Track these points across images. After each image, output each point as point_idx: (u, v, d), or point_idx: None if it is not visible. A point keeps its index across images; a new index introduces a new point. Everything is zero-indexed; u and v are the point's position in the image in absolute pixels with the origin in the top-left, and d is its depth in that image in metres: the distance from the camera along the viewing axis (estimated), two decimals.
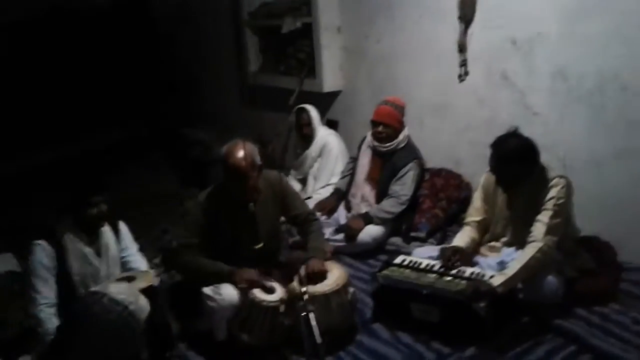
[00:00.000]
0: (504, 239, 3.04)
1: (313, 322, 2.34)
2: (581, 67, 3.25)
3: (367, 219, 3.71)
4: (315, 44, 4.96)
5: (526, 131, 3.52)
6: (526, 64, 3.53)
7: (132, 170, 6.16)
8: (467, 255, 2.99)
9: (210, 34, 6.52)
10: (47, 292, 2.57)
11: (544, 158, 2.91)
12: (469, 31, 3.83)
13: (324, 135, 4.46)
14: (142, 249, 3.10)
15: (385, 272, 2.97)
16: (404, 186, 3.74)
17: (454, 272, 2.87)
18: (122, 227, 2.92)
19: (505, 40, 3.62)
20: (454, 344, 2.67)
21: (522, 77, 3.57)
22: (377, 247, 3.72)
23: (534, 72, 3.51)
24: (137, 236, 3.06)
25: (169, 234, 4.48)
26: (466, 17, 3.81)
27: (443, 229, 3.82)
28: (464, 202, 3.97)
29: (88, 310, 2.20)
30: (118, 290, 2.28)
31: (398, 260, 3.07)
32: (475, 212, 3.12)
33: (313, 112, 4.43)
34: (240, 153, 2.72)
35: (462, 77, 3.96)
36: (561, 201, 2.72)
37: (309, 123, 4.40)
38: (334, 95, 5.11)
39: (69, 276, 2.64)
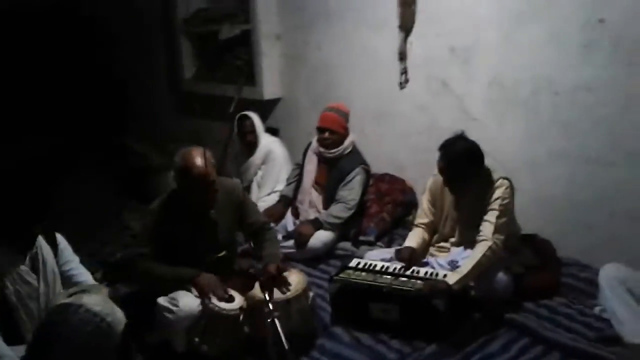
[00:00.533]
0: (452, 239, 3.16)
1: (279, 328, 2.32)
2: (517, 74, 3.44)
3: (317, 224, 3.73)
4: (255, 52, 4.94)
5: (468, 136, 3.72)
6: (464, 71, 3.69)
7: (60, 181, 5.85)
8: (419, 256, 3.08)
9: (143, 40, 6.34)
10: None
11: (486, 161, 3.07)
12: (409, 40, 3.95)
13: (267, 142, 4.45)
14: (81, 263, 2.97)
15: (342, 275, 2.99)
16: (351, 191, 3.79)
17: (408, 272, 2.95)
18: (60, 239, 2.75)
19: (444, 48, 3.76)
20: (413, 343, 2.73)
21: (461, 84, 3.73)
22: (327, 252, 3.75)
23: (472, 79, 3.67)
24: (74, 250, 2.93)
25: (108, 247, 4.31)
26: (406, 26, 3.94)
27: (390, 232, 3.91)
28: (409, 206, 4.10)
29: (65, 322, 2.06)
30: (94, 302, 2.14)
31: (353, 263, 3.11)
32: (423, 215, 3.22)
33: (256, 119, 4.41)
34: (200, 160, 2.66)
35: (402, 85, 4.08)
36: (506, 201, 2.86)
37: (252, 130, 4.37)
38: (273, 102, 5.10)
39: (5, 297, 2.46)
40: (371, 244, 3.76)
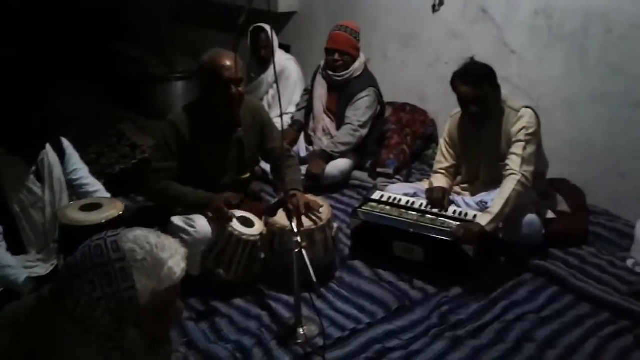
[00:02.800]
0: (478, 180, 2.98)
1: (307, 259, 2.15)
2: (567, 5, 3.16)
3: (327, 157, 3.52)
4: None
5: (502, 70, 3.45)
6: None
7: (50, 87, 5.48)
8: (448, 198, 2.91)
9: None
10: None
11: (519, 98, 2.85)
12: None
13: (282, 59, 4.15)
14: None
15: (365, 208, 2.82)
16: (357, 112, 3.57)
17: (435, 210, 2.79)
18: (67, 145, 2.51)
19: None
20: (438, 283, 2.60)
21: (503, 11, 3.44)
22: (342, 181, 3.56)
23: (515, 6, 3.38)
24: None
25: (104, 158, 4.06)
26: None
27: (409, 166, 3.73)
28: (429, 139, 3.90)
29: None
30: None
31: (376, 196, 2.94)
32: (442, 159, 3.01)
33: (272, 33, 4.08)
34: (230, 61, 2.40)
35: (436, 8, 3.77)
36: (531, 130, 2.66)
37: (266, 45, 4.05)
38: (287, 16, 4.75)
39: (7, 206, 2.25)
40: (389, 177, 3.59)
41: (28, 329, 1.19)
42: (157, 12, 6.07)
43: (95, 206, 2.22)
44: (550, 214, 2.85)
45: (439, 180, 2.94)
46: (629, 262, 2.71)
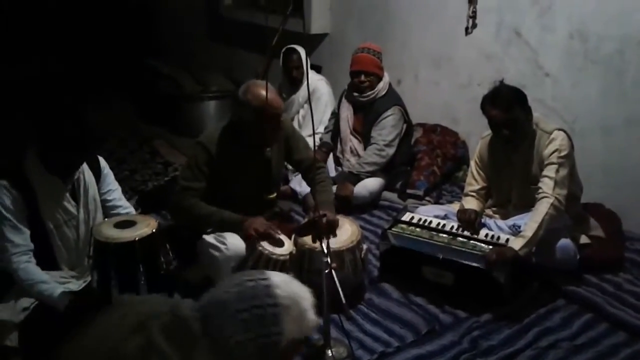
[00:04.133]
0: (511, 203, 2.94)
1: (336, 280, 2.15)
2: (603, 28, 3.13)
3: (354, 178, 3.53)
4: None
5: (536, 92, 3.45)
6: (543, 21, 3.37)
7: (86, 103, 5.62)
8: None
9: None
10: (18, 239, 2.18)
11: (553, 121, 2.81)
12: None
13: (313, 79, 4.18)
14: None
15: (395, 229, 2.81)
16: (382, 131, 3.57)
17: (467, 233, 2.76)
18: (104, 164, 2.56)
19: None
20: (468, 308, 2.56)
21: (537, 34, 3.42)
22: (371, 202, 3.56)
23: (549, 29, 3.36)
24: None
25: (138, 174, 4.15)
26: None
27: (439, 188, 3.70)
28: (460, 161, 3.87)
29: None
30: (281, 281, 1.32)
31: (406, 217, 2.92)
32: (473, 181, 2.97)
33: (303, 53, 4.13)
34: (272, 94, 2.44)
35: (469, 30, 3.76)
36: (564, 152, 2.62)
37: (299, 65, 4.10)
38: (320, 38, 4.80)
39: (42, 223, 2.28)
40: (419, 198, 3.57)
41: (163, 349, 1.21)
42: (191, 30, 6.21)
43: (129, 223, 2.26)
44: (584, 239, 2.80)
45: (470, 203, 2.91)
46: None
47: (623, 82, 3.11)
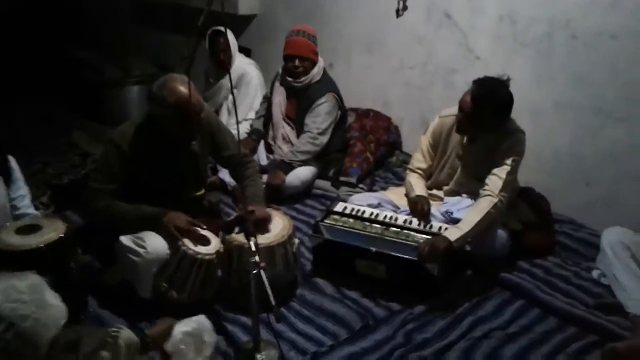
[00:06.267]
0: (446, 188, 2.91)
1: (265, 281, 2.02)
2: (532, 11, 3.11)
3: (286, 167, 3.40)
4: None
5: (467, 76, 3.39)
6: (473, 3, 3.33)
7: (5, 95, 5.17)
8: None
9: None
10: None
11: None
12: None
13: (242, 63, 4.00)
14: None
15: (327, 221, 2.71)
16: (316, 119, 3.45)
17: (400, 222, 2.69)
18: (14, 166, 2.32)
19: None
20: (402, 300, 2.51)
21: (467, 17, 3.37)
22: (304, 191, 3.44)
23: (480, 12, 3.31)
24: None
25: (54, 167, 3.86)
26: None
27: (372, 174, 3.63)
28: (393, 146, 3.82)
29: None
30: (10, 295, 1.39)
31: (338, 208, 2.83)
32: (421, 159, 2.93)
33: (231, 36, 3.93)
34: (185, 89, 2.26)
35: (399, 13, 3.68)
36: (519, 157, 2.62)
37: (226, 49, 3.89)
38: (248, 19, 4.61)
39: None
40: (352, 186, 3.48)
41: None
42: (113, 14, 5.83)
43: (34, 228, 2.04)
44: (515, 224, 2.79)
45: (419, 184, 2.86)
46: (595, 273, 2.66)
47: (552, 65, 3.11)
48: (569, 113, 3.09)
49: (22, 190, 2.37)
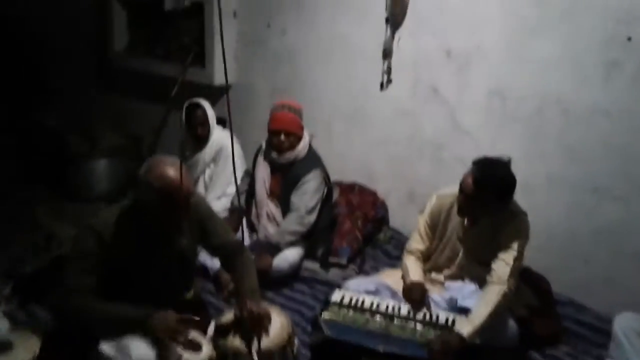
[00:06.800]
0: (447, 271, 2.77)
1: None
2: (521, 88, 3.09)
3: (274, 250, 3.20)
4: (207, 29, 4.29)
5: (456, 150, 3.35)
6: (460, 79, 3.29)
7: None
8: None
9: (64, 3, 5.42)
10: None
11: None
12: (397, 36, 3.49)
13: (220, 136, 3.83)
14: None
15: (327, 314, 2.50)
16: (303, 197, 3.28)
17: (404, 313, 2.52)
18: None
19: (438, 51, 3.34)
20: None
21: (454, 91, 3.33)
22: (291, 274, 3.24)
23: (467, 87, 3.28)
24: None
25: (16, 251, 3.53)
26: (395, 20, 3.47)
27: (362, 253, 3.46)
28: (381, 222, 3.67)
29: None
30: None
31: (336, 297, 2.62)
32: (419, 240, 2.79)
33: (209, 109, 3.78)
34: (175, 173, 2.06)
35: (384, 86, 3.62)
36: (526, 241, 2.53)
37: (203, 122, 3.74)
38: (223, 89, 4.47)
39: None
40: (343, 267, 3.30)
41: None
42: (79, 80, 5.61)
43: (3, 347, 1.77)
44: (521, 310, 2.65)
45: (415, 268, 2.71)
46: None
47: (543, 141, 3.07)
48: (562, 189, 3.04)
49: None
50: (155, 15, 4.73)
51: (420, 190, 3.55)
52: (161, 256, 2.21)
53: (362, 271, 3.31)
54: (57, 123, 4.68)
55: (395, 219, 3.70)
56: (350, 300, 2.60)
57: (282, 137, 3.27)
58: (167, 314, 2.15)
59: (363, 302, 2.58)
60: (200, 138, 3.77)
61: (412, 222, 3.53)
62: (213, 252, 2.55)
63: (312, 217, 3.28)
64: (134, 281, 2.18)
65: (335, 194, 3.67)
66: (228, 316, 2.29)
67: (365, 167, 3.81)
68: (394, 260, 3.42)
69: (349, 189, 3.73)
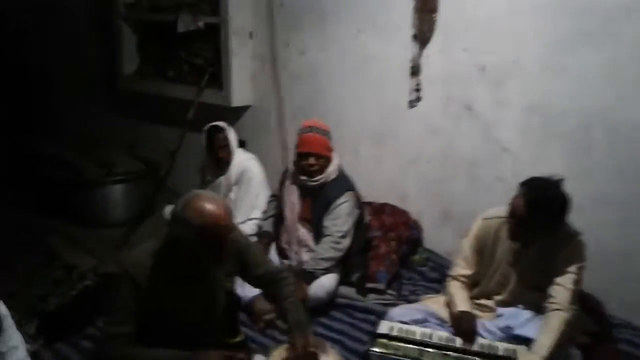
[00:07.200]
0: (498, 297, 2.63)
1: None
2: (562, 103, 2.98)
3: (309, 277, 3.05)
4: (223, 50, 4.18)
5: (494, 169, 3.24)
6: (496, 94, 3.18)
7: None
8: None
9: (72, 27, 5.30)
10: None
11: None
12: (425, 52, 3.39)
13: (242, 159, 3.70)
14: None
15: (377, 349, 2.36)
16: (336, 221, 3.14)
17: (458, 344, 2.38)
18: (4, 313, 1.91)
19: (471, 66, 3.24)
20: None
21: (490, 107, 3.22)
22: (328, 301, 3.09)
23: (504, 103, 3.17)
24: None
25: (36, 286, 3.36)
26: (422, 35, 3.38)
27: (399, 277, 3.32)
28: (415, 243, 3.54)
29: None
30: None
31: (384, 329, 2.49)
32: (465, 265, 2.66)
33: (230, 131, 3.65)
34: (215, 208, 1.94)
35: (413, 103, 3.51)
36: (584, 263, 2.40)
37: (225, 145, 3.61)
38: (241, 110, 4.36)
39: None
40: (381, 293, 3.15)
41: None
42: (87, 104, 5.48)
43: None
44: (582, 337, 2.52)
45: (462, 295, 2.57)
46: None
47: (588, 158, 2.96)
48: (612, 208, 2.92)
49: (14, 341, 1.93)
50: (166, 37, 4.64)
51: (455, 209, 3.43)
52: (198, 295, 2.09)
53: (400, 296, 3.17)
54: (64, 147, 4.50)
55: (430, 239, 3.58)
56: (400, 331, 2.46)
57: (312, 160, 3.14)
58: (213, 353, 2.01)
59: (414, 334, 2.44)
60: (222, 161, 3.64)
61: (447, 242, 3.47)
62: (254, 283, 2.41)
63: (347, 242, 3.15)
64: (172, 323, 2.06)
65: (366, 216, 3.54)
66: (277, 352, 2.14)
67: (395, 188, 3.69)
68: (432, 282, 3.30)
69: (379, 209, 3.61)
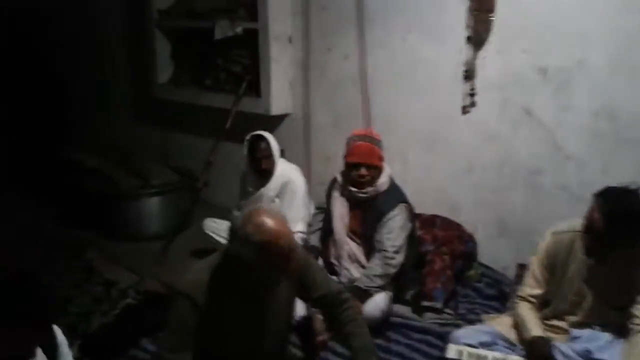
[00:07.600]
0: (571, 318, 2.42)
1: None
2: (634, 106, 2.78)
3: (362, 294, 2.87)
4: (262, 57, 4.04)
5: (557, 177, 3.04)
6: (560, 98, 2.99)
7: None
8: None
9: (103, 33, 5.23)
10: None
11: (581, 210, 2.34)
12: (480, 54, 3.21)
13: (285, 170, 3.54)
14: None
15: None
16: (389, 235, 2.96)
17: None
18: (61, 338, 1.80)
19: (531, 69, 3.05)
20: None
21: (553, 112, 3.02)
22: (382, 321, 2.91)
23: (569, 107, 2.97)
24: None
25: (75, 303, 3.24)
26: (478, 38, 3.19)
27: (456, 294, 3.13)
28: (470, 258, 3.34)
29: None
30: None
31: (452, 353, 2.31)
32: (534, 284, 2.46)
33: (272, 141, 3.50)
34: (276, 224, 1.80)
35: (466, 109, 3.32)
36: None
37: (268, 155, 3.45)
38: (280, 118, 4.22)
39: None
40: (437, 312, 2.97)
41: None
42: (119, 115, 5.39)
43: None
44: None
45: (532, 319, 2.38)
46: None
47: None
48: None
49: None
50: (202, 44, 4.52)
51: (513, 220, 3.24)
52: (258, 316, 1.96)
53: (457, 314, 2.97)
54: (100, 162, 4.38)
55: (484, 254, 3.37)
56: (470, 356, 2.27)
57: (363, 170, 2.97)
58: None
59: (486, 359, 2.25)
60: (264, 172, 3.48)
61: (504, 256, 3.27)
62: (314, 305, 2.26)
63: (401, 257, 2.97)
64: (230, 346, 1.93)
65: (417, 229, 3.35)
66: None
67: (446, 198, 3.49)
68: (489, 300, 3.11)
69: (430, 221, 3.41)
